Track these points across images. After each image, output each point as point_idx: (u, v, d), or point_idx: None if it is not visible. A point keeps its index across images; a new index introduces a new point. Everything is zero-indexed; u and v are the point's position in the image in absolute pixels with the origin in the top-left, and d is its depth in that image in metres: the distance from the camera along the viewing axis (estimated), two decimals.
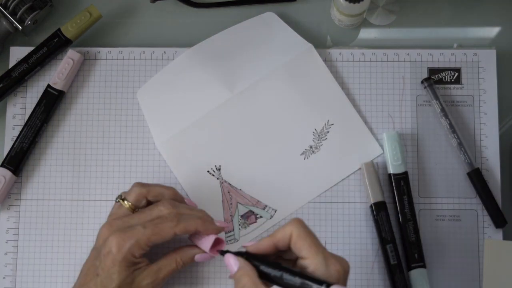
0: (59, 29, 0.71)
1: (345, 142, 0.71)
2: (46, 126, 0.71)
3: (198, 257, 0.63)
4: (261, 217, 0.69)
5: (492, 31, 0.75)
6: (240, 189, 0.70)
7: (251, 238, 0.69)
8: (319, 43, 0.74)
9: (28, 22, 0.72)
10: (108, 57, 0.73)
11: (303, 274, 0.52)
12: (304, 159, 0.70)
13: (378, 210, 0.68)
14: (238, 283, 0.53)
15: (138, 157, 0.71)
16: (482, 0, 0.75)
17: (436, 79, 0.72)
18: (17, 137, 0.70)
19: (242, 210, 0.70)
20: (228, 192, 0.70)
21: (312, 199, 0.70)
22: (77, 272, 0.66)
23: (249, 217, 0.69)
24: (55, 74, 0.71)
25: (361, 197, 0.70)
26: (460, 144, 0.69)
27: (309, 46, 0.72)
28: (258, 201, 0.70)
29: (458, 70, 0.72)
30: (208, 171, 0.70)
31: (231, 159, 0.70)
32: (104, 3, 0.75)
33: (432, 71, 0.72)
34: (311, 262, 0.53)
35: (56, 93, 0.71)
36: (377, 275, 0.68)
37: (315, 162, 0.70)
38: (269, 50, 0.72)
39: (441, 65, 0.72)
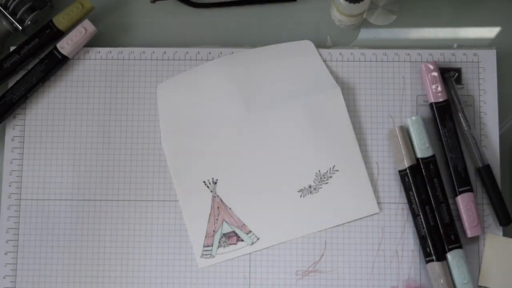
0: (51, 21, 0.72)
1: (345, 192, 0.69)
2: (41, 86, 0.71)
3: None
4: (242, 240, 0.69)
5: (492, 31, 0.75)
6: (230, 208, 0.69)
7: (228, 258, 0.69)
8: (319, 43, 0.74)
9: (28, 22, 0.72)
10: (108, 57, 0.73)
11: None
12: (301, 196, 0.69)
13: (414, 173, 0.68)
14: None
15: (138, 157, 0.71)
16: (482, 0, 0.75)
17: None
18: (9, 88, 0.70)
19: (226, 228, 0.69)
20: (218, 207, 0.69)
21: (295, 238, 0.69)
22: (76, 272, 0.66)
23: (231, 237, 0.69)
24: (64, 39, 0.71)
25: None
26: (473, 139, 0.69)
27: (336, 87, 0.71)
28: (244, 224, 0.69)
29: (458, 70, 0.72)
30: (204, 182, 0.70)
31: (229, 176, 0.70)
32: (104, 3, 0.75)
33: None
34: None
35: (60, 57, 0.71)
36: (377, 275, 0.69)
37: (310, 202, 0.69)
38: (296, 79, 0.71)
39: (441, 65, 0.72)
